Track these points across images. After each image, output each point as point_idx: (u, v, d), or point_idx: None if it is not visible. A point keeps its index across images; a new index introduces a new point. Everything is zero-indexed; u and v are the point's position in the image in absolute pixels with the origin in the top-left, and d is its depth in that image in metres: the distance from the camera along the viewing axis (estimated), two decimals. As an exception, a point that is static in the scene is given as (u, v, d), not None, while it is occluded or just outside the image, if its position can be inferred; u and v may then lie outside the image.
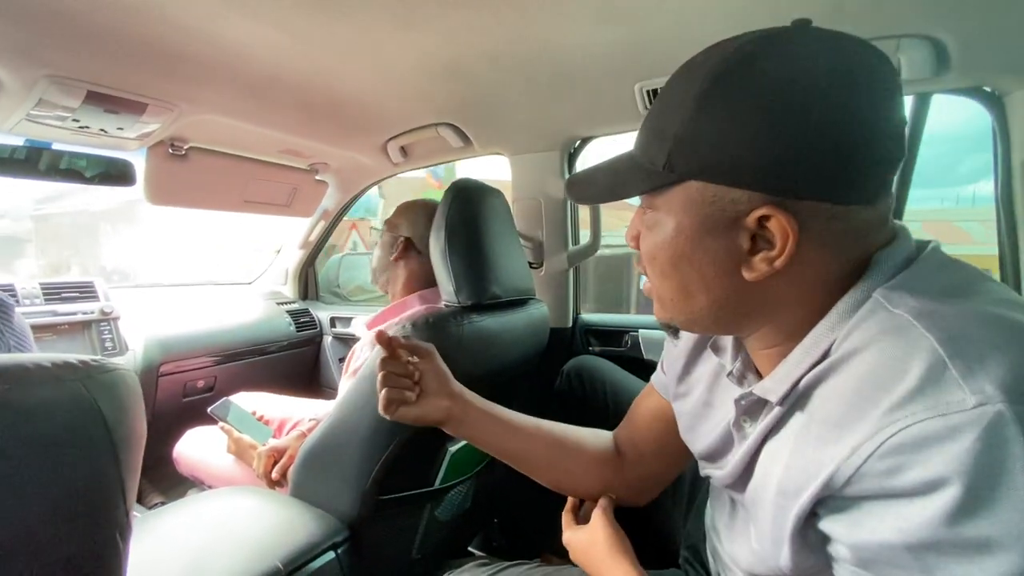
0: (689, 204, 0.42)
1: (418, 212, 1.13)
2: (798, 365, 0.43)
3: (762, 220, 0.40)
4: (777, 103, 0.38)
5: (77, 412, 0.35)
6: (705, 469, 0.58)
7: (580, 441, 0.74)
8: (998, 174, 0.98)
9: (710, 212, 0.42)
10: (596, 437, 0.75)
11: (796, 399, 0.43)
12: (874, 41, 0.86)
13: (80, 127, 1.04)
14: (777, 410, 0.45)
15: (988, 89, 0.95)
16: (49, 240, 6.17)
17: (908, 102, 1.01)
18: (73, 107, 0.95)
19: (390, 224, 1.16)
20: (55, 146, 1.14)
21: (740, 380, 0.51)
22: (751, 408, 0.48)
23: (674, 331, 0.52)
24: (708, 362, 0.58)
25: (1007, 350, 0.34)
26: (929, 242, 0.44)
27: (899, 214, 1.06)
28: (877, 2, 0.76)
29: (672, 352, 0.64)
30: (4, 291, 1.34)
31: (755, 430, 0.47)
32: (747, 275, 0.42)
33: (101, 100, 0.96)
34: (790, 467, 0.42)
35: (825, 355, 0.42)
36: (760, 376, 0.49)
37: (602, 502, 0.68)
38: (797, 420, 0.43)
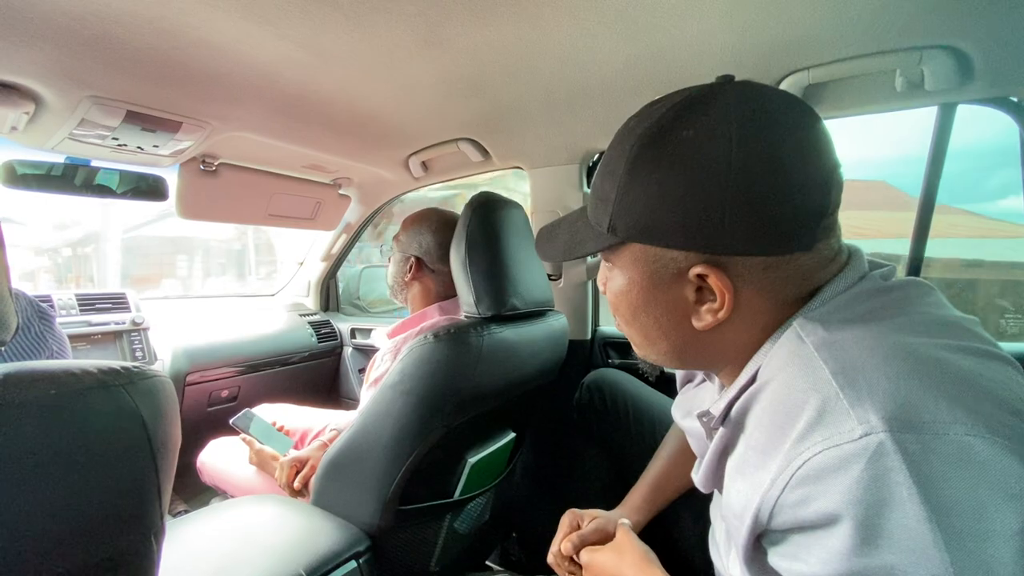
0: (636, 262, 0.46)
1: (422, 226, 1.11)
2: (735, 388, 0.45)
3: (701, 276, 0.42)
4: (695, 169, 0.40)
5: (121, 416, 0.37)
6: (693, 473, 0.61)
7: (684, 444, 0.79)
8: (1028, 185, 0.96)
9: (655, 269, 0.44)
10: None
11: (736, 421, 0.45)
12: (896, 53, 0.86)
13: (119, 145, 1.09)
14: (722, 430, 0.47)
15: (1014, 99, 0.93)
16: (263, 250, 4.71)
17: (932, 113, 1.00)
18: (113, 126, 1.00)
19: (398, 242, 1.14)
20: (92, 163, 1.19)
21: None
22: (713, 424, 0.50)
23: (650, 364, 0.55)
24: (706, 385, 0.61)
25: (897, 379, 0.35)
26: (882, 267, 0.45)
27: (924, 228, 1.04)
28: (898, 15, 0.76)
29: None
30: (43, 302, 1.40)
31: (712, 444, 0.49)
32: (696, 324, 0.45)
33: (139, 119, 1.00)
34: (739, 490, 0.44)
35: (753, 379, 0.44)
36: None
37: (622, 522, 0.70)
38: (742, 443, 0.45)
